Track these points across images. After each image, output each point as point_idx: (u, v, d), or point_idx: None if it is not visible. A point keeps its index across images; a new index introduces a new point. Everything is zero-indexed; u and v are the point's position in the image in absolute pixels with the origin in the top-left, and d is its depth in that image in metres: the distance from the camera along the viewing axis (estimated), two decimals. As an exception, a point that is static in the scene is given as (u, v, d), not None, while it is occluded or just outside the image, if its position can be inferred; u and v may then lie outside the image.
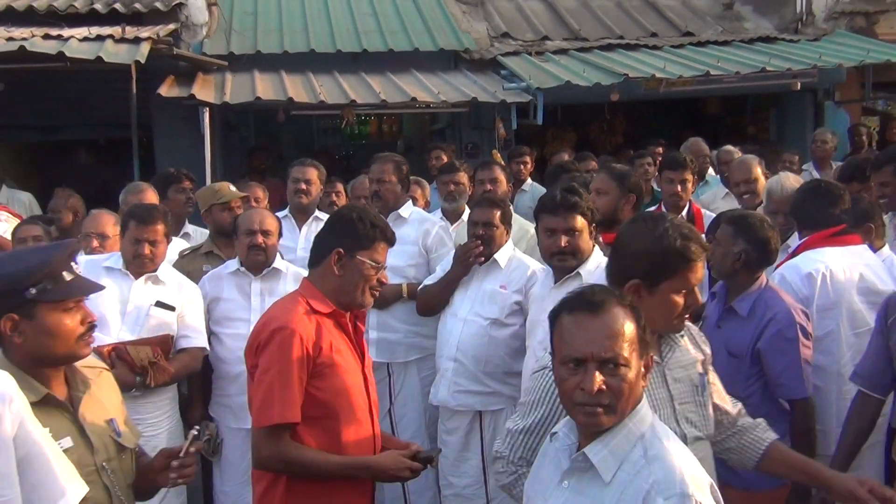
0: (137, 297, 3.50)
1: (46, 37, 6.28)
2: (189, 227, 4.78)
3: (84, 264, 3.51)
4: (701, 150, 5.79)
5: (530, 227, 4.13)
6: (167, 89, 6.50)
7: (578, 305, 1.73)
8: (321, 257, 2.46)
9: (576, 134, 9.09)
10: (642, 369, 1.73)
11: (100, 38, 6.39)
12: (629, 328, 1.69)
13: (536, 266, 3.56)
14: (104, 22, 7.02)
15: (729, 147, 6.18)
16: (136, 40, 6.37)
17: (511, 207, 4.14)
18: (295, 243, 4.48)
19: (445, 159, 5.80)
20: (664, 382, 2.08)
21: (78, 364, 2.09)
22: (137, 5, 7.51)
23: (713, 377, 2.27)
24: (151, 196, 4.51)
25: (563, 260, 3.10)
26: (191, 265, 4.05)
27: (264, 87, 6.77)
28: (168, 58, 6.63)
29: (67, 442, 1.96)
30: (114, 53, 6.06)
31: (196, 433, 2.08)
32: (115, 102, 6.49)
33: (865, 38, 8.25)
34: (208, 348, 3.64)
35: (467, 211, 4.21)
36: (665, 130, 8.51)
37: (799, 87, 7.37)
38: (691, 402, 2.13)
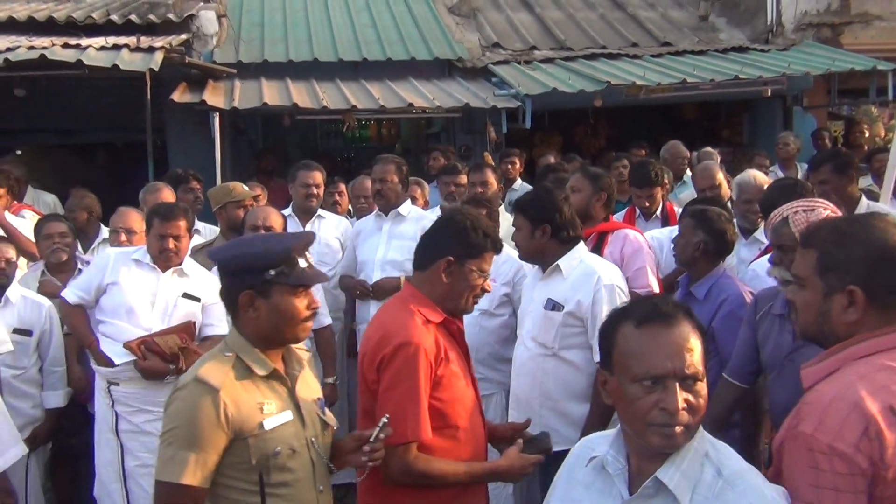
0: (165, 289, 3.59)
1: (66, 46, 6.40)
2: (199, 224, 4.79)
3: (115, 255, 3.72)
4: (679, 153, 5.90)
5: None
6: (179, 95, 6.65)
7: (649, 317, 1.52)
8: (429, 262, 2.38)
9: (562, 137, 9.07)
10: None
11: (116, 47, 6.49)
12: (700, 339, 1.52)
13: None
14: (120, 32, 7.18)
15: (709, 149, 6.31)
16: (151, 49, 6.49)
17: (501, 206, 4.34)
18: None
19: (443, 161, 5.95)
20: None
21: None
22: (152, 16, 7.66)
23: None
24: (168, 194, 4.67)
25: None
26: (204, 260, 4.01)
27: (271, 93, 6.90)
28: (180, 66, 6.77)
29: (288, 415, 2.02)
30: (129, 62, 6.16)
31: (386, 420, 2.09)
32: (131, 108, 6.59)
33: (831, 48, 8.40)
34: None
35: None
36: (645, 134, 8.56)
37: (769, 94, 7.48)
38: None
